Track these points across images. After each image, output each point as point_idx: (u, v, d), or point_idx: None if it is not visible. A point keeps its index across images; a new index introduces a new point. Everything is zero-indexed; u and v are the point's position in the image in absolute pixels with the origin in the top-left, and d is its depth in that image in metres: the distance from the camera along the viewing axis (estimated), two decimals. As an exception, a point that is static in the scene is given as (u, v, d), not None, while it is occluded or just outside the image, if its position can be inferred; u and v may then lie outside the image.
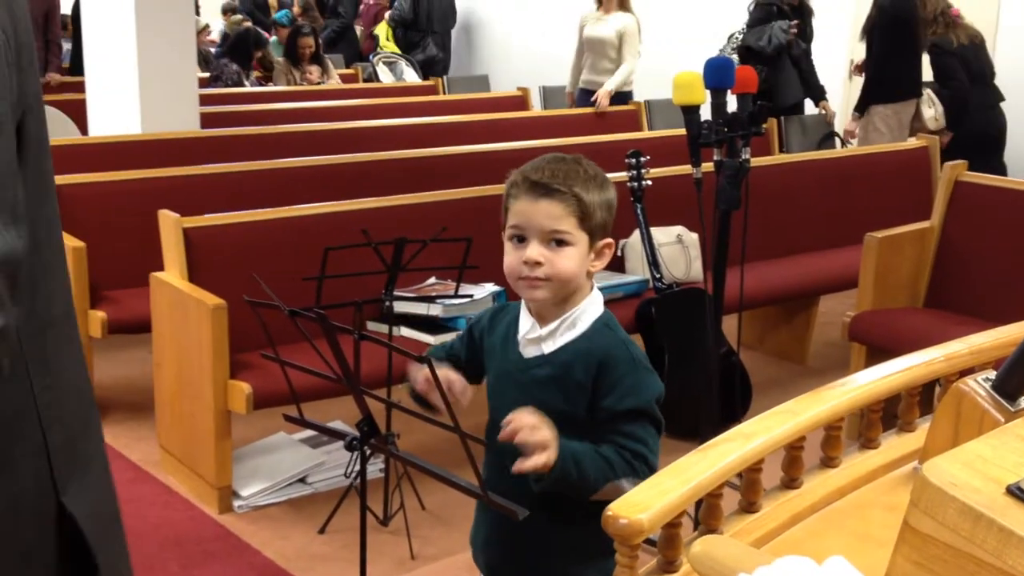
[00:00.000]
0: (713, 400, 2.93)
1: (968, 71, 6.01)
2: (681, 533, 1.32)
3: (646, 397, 1.62)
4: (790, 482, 1.56)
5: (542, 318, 1.68)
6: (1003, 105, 6.17)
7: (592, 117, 6.51)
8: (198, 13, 11.04)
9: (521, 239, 1.64)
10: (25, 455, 0.94)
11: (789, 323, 4.75)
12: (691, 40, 7.32)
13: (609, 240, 1.68)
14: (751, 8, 6.51)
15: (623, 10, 6.63)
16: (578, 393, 1.64)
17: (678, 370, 3.84)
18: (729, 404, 3.63)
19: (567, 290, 1.65)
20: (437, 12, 9.78)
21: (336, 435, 1.79)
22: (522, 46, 9.01)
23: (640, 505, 1.24)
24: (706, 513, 1.39)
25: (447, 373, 1.63)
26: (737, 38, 6.64)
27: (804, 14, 6.56)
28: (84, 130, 5.29)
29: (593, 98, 6.56)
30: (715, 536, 1.30)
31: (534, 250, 1.62)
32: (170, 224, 3.41)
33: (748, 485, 1.46)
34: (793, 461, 1.55)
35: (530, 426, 1.53)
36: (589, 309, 1.68)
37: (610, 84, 6.54)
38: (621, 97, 6.68)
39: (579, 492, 1.57)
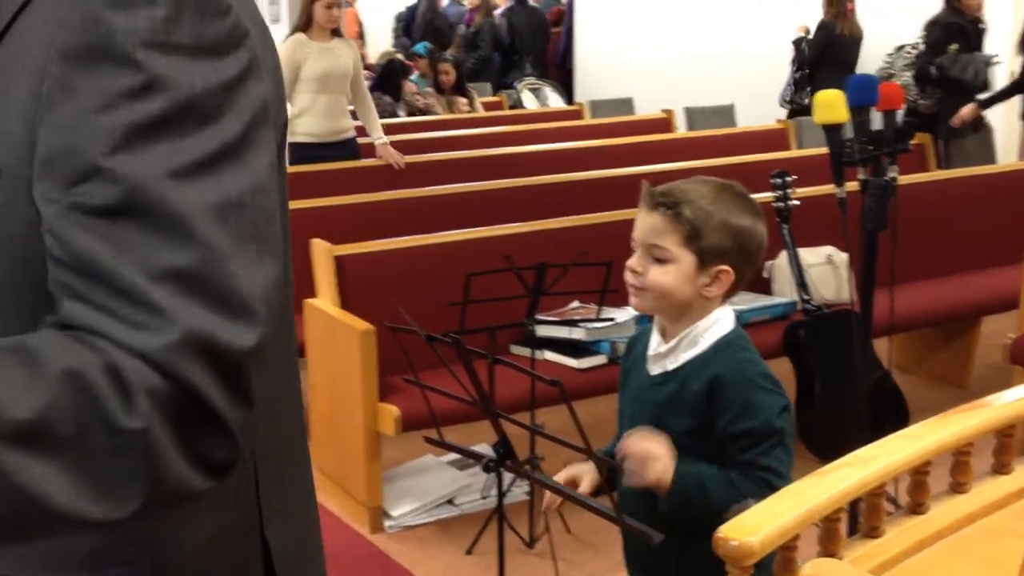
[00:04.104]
0: (864, 426, 2.85)
1: None
2: (797, 556, 1.29)
3: (764, 417, 1.60)
4: (916, 507, 1.52)
5: (666, 334, 1.70)
6: None
7: (737, 137, 6.43)
8: (364, 43, 11.50)
9: (637, 247, 1.71)
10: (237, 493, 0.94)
11: (948, 346, 4.57)
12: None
13: (726, 268, 1.67)
14: (930, 27, 6.27)
15: None
16: (696, 411, 1.64)
17: (828, 395, 3.75)
18: (883, 430, 3.52)
19: (667, 304, 1.67)
20: (527, 33, 10.18)
21: (474, 456, 1.83)
22: (666, 68, 8.99)
23: (751, 527, 1.23)
24: (824, 537, 1.37)
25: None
26: (910, 52, 6.39)
27: (982, 33, 6.29)
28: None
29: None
30: (827, 560, 1.28)
31: (634, 259, 1.69)
32: (322, 252, 3.55)
33: (870, 510, 1.42)
34: (918, 486, 1.51)
35: (640, 439, 1.55)
36: (714, 327, 1.68)
37: None
38: None
39: (705, 515, 1.57)
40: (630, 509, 1.58)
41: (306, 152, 5.02)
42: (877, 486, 1.36)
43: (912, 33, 6.60)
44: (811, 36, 7.42)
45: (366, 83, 5.53)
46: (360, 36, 11.55)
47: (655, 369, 1.71)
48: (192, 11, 0.80)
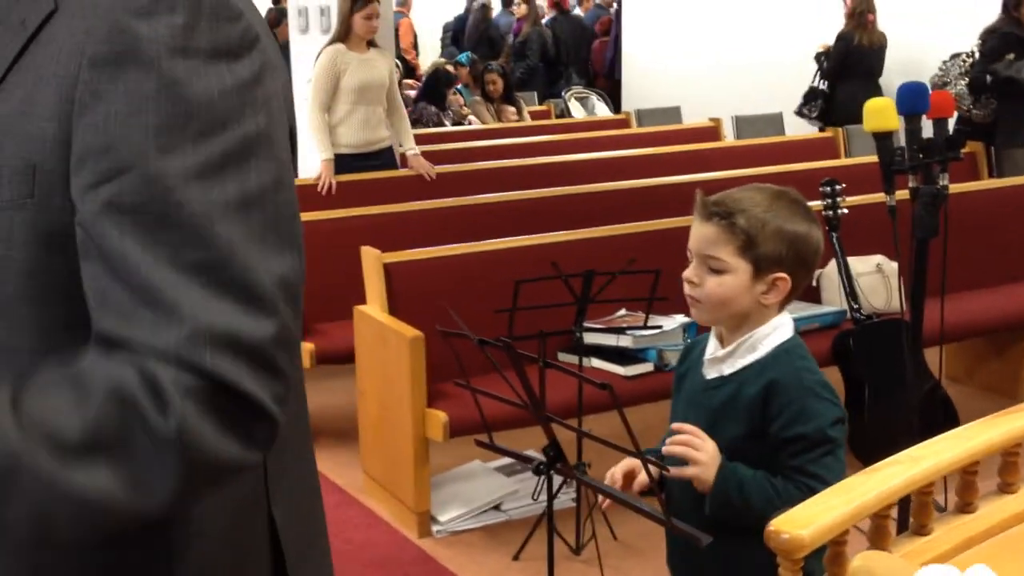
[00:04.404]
0: (914, 435, 2.83)
1: None
2: (847, 551, 1.31)
3: (817, 424, 1.60)
4: (964, 506, 1.54)
5: (723, 340, 1.70)
6: None
7: (786, 145, 6.40)
8: (418, 52, 11.59)
9: (692, 258, 1.71)
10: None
11: (999, 356, 4.51)
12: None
13: (783, 275, 1.67)
14: (986, 36, 6.20)
15: None
16: (750, 416, 1.65)
17: (878, 404, 3.72)
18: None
19: (725, 313, 1.67)
20: (571, 43, 10.33)
21: (524, 459, 1.86)
22: (714, 76, 8.96)
23: (803, 521, 1.27)
24: (873, 534, 1.38)
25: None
26: (965, 61, 6.33)
27: None
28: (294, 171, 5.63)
29: None
30: (875, 551, 1.30)
31: (690, 270, 1.69)
32: (372, 259, 3.59)
33: (918, 508, 1.44)
34: (967, 486, 1.53)
35: (689, 435, 1.57)
36: (773, 334, 1.69)
37: None
38: None
39: (746, 518, 1.57)
40: (678, 512, 1.59)
41: (342, 163, 5.07)
42: (926, 484, 1.38)
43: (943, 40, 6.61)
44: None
45: (404, 93, 5.54)
46: (414, 46, 11.63)
47: (711, 373, 1.72)
48: (208, 17, 0.87)
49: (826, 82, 7.47)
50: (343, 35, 5.09)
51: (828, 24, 8.05)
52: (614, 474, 1.70)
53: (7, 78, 0.88)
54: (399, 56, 10.80)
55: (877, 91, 6.91)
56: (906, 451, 1.39)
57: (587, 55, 10.97)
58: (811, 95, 7.56)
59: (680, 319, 3.60)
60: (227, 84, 0.87)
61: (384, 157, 5.28)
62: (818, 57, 7.53)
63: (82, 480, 0.79)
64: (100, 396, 0.80)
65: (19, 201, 0.87)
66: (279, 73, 0.94)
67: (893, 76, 6.91)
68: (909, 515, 1.46)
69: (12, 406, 0.80)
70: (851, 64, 7.26)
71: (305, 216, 4.29)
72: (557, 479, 2.53)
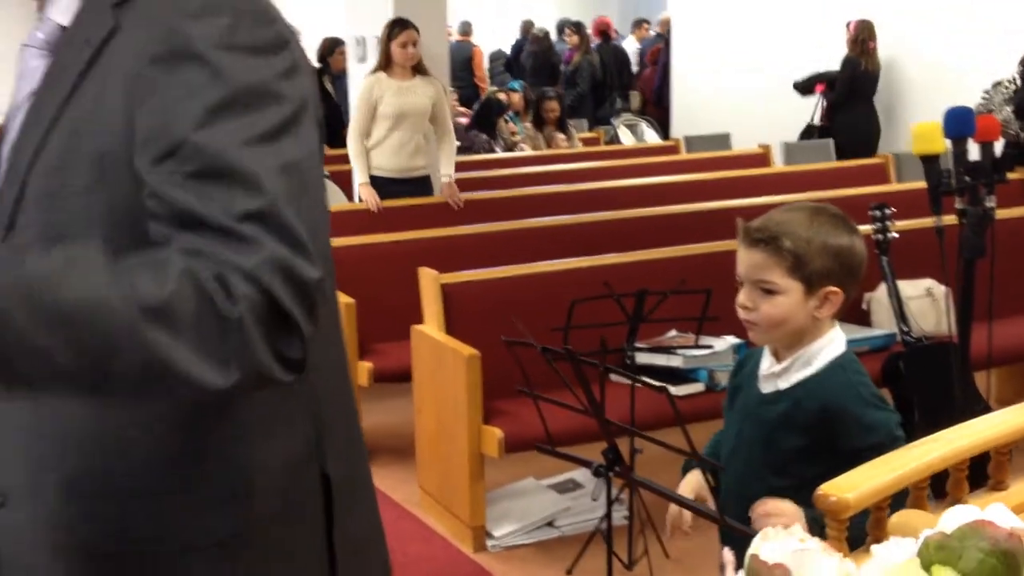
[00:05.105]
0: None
1: None
2: (886, 516, 1.42)
3: (886, 430, 1.68)
4: (996, 484, 1.69)
5: (778, 355, 1.77)
6: None
7: (836, 172, 6.43)
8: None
9: (743, 282, 1.77)
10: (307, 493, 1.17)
11: (1052, 379, 4.51)
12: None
13: (834, 288, 1.72)
14: None
15: None
16: (809, 431, 1.71)
17: (928, 427, 3.74)
18: (983, 463, 3.50)
19: (781, 333, 1.73)
20: (614, 69, 10.71)
21: (583, 463, 1.94)
22: (764, 103, 9.00)
23: (848, 486, 1.44)
24: (912, 503, 1.47)
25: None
26: (1007, 87, 6.34)
27: None
28: (349, 196, 5.79)
29: None
30: (911, 510, 1.44)
31: (743, 295, 1.75)
32: (429, 280, 3.70)
33: (954, 483, 1.56)
34: (999, 465, 1.69)
35: (767, 508, 1.61)
36: (826, 349, 1.74)
37: None
38: None
39: None
40: (732, 513, 1.66)
41: (376, 184, 5.20)
42: (960, 461, 1.47)
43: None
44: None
45: (455, 120, 5.62)
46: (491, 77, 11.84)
47: (767, 387, 1.78)
48: (248, 19, 1.04)
49: (821, 112, 8.10)
50: (384, 63, 5.24)
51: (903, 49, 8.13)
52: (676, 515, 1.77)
53: (78, 86, 1.05)
54: (474, 84, 11.08)
55: (875, 113, 7.81)
56: (942, 432, 1.49)
57: (628, 80, 11.23)
58: (808, 132, 8.09)
59: (730, 340, 3.66)
60: (265, 74, 1.03)
61: (417, 185, 5.34)
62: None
63: (155, 336, 0.92)
64: (177, 277, 0.94)
65: (94, 185, 1.04)
66: (307, 71, 1.11)
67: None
68: (945, 489, 1.56)
69: (106, 266, 0.94)
70: (856, 88, 7.77)
71: (364, 239, 4.44)
72: (614, 490, 2.60)
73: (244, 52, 1.02)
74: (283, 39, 1.07)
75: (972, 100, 5.28)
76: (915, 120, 2.69)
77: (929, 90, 7.53)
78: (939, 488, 1.66)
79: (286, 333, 0.98)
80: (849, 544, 1.40)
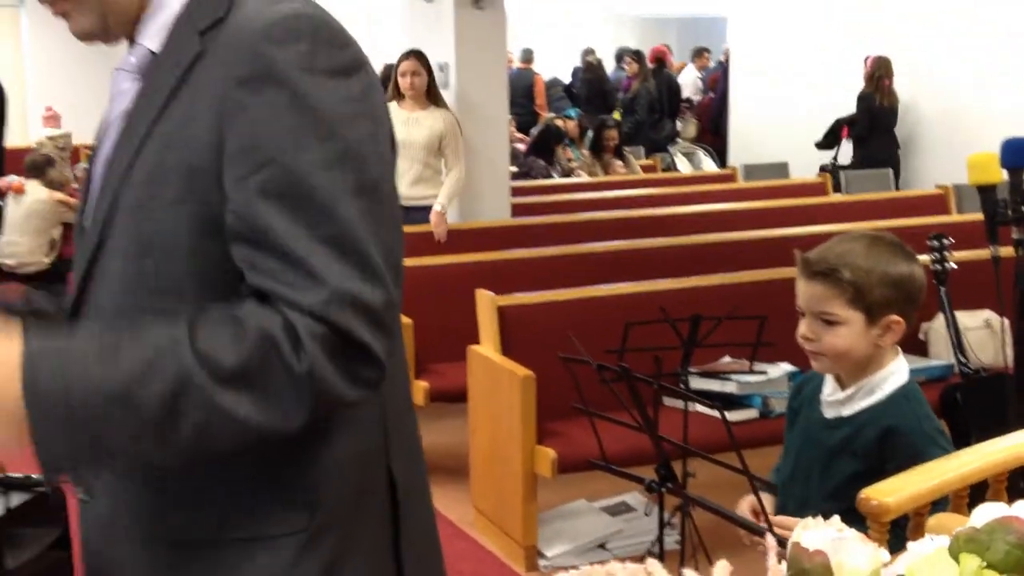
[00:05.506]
0: (1021, 490, 2.85)
1: None
2: (925, 522, 1.45)
3: None
4: None
5: (842, 382, 1.79)
6: None
7: (895, 202, 6.39)
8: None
9: (804, 314, 1.78)
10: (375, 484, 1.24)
11: (1115, 415, 4.43)
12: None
13: (895, 317, 1.74)
14: None
15: None
16: (867, 456, 1.73)
17: (985, 458, 3.71)
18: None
19: (845, 363, 1.75)
20: (666, 96, 11.00)
21: (635, 479, 1.97)
22: (821, 132, 8.97)
23: (889, 491, 1.50)
24: (952, 511, 1.50)
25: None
26: None
27: None
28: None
29: None
30: (948, 513, 1.47)
31: (804, 327, 1.77)
32: (486, 302, 3.77)
33: (993, 494, 1.60)
34: None
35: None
36: (891, 378, 1.76)
37: None
38: None
39: None
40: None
41: None
42: (999, 472, 1.49)
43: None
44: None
45: (513, 147, 5.60)
46: (548, 104, 11.95)
47: (829, 413, 1.80)
48: (325, 44, 1.11)
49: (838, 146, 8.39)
50: (394, 95, 5.29)
51: (933, 81, 8.08)
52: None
53: (168, 104, 1.13)
54: (533, 111, 11.27)
55: (896, 143, 8.10)
56: (982, 443, 1.52)
57: (678, 106, 11.50)
58: (832, 167, 8.21)
59: (785, 367, 3.66)
60: (343, 95, 1.11)
61: (412, 215, 5.13)
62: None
63: (230, 401, 1.03)
64: (252, 336, 1.04)
65: (183, 197, 1.11)
66: (380, 92, 1.20)
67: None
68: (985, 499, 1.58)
69: (189, 335, 1.04)
70: (875, 123, 8.10)
71: (422, 261, 4.52)
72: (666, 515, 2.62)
73: (323, 75, 1.10)
74: (359, 62, 1.14)
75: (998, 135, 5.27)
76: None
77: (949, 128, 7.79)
78: (980, 500, 1.68)
79: (363, 359, 1.07)
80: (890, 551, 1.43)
